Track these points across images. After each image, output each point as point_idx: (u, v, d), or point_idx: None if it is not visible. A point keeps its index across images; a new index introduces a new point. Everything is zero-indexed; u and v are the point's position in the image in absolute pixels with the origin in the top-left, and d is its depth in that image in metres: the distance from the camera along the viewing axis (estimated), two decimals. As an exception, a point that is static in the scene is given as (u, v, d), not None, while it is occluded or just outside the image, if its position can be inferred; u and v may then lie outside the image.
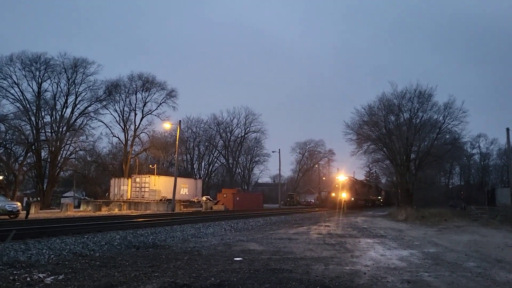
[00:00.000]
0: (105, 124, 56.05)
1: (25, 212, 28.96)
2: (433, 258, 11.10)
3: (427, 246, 14.01)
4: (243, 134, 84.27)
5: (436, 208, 38.77)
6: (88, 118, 53.27)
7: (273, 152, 70.60)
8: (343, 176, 57.15)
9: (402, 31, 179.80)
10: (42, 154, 50.02)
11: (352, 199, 52.14)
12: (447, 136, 48.82)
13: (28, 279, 7.52)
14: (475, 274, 8.77)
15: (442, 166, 66.99)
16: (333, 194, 53.16)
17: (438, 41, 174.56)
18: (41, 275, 7.79)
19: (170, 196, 41.98)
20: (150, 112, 57.54)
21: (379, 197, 74.74)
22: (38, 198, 47.22)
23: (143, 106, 57.55)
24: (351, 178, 59.24)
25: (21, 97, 48.27)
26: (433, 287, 7.45)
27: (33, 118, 48.31)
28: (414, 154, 47.28)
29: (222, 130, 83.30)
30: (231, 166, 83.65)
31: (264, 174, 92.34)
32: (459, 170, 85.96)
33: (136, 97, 57.45)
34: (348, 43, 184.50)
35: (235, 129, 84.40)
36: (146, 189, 45.98)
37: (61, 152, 50.60)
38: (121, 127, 57.66)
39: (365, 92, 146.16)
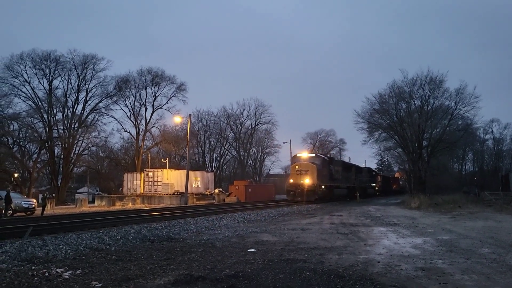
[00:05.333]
0: (116, 120, 56.95)
1: (40, 208, 29.41)
2: (447, 245, 11.04)
3: (441, 233, 13.95)
4: (253, 126, 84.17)
5: (450, 195, 38.57)
6: (99, 114, 54.19)
7: (284, 143, 70.35)
8: (307, 153, 40.01)
9: (412, 16, 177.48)
10: (55, 151, 50.94)
11: (323, 186, 37.01)
12: (459, 122, 48.33)
13: (47, 274, 7.64)
14: (489, 260, 8.72)
15: (455, 153, 66.32)
16: (291, 181, 37.05)
17: (448, 25, 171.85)
18: (59, 270, 7.92)
19: (182, 190, 42.28)
20: (160, 106, 58.23)
21: (373, 184, 61.02)
22: (53, 195, 47.87)
23: (153, 101, 58.24)
24: (320, 155, 41.99)
25: (33, 95, 49.19)
26: (448, 274, 7.41)
27: (45, 116, 49.10)
28: (426, 141, 46.89)
29: (232, 122, 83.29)
30: (242, 158, 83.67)
31: (275, 165, 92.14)
32: (472, 156, 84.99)
33: (146, 92, 58.14)
34: (357, 30, 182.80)
35: (246, 121, 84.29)
36: (159, 183, 46.33)
37: (74, 148, 51.40)
38: (132, 122, 58.40)
39: (376, 80, 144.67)
